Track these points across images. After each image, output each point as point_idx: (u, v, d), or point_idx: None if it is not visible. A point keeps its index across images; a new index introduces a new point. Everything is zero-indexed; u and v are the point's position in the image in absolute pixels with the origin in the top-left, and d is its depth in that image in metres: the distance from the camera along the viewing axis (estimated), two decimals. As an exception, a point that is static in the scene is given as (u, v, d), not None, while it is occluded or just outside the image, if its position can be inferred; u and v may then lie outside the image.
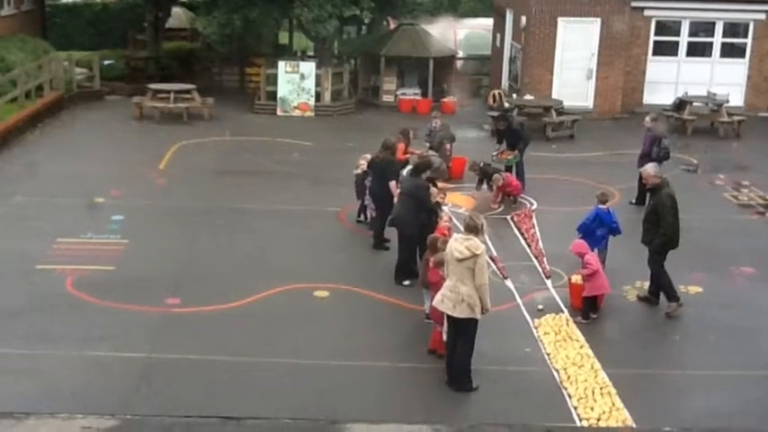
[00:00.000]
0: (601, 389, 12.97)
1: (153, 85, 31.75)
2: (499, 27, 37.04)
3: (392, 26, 39.09)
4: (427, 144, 23.24)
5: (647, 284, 16.27)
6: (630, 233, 17.06)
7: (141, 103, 30.82)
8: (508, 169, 22.52)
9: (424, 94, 34.21)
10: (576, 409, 12.53)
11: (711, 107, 30.85)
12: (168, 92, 30.97)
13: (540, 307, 15.75)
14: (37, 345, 13.76)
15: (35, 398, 12.29)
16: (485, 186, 22.26)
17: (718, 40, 33.53)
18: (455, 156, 23.64)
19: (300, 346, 14.02)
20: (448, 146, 23.25)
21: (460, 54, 40.33)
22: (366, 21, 37.78)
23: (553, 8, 32.02)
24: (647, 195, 16.96)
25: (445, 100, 33.45)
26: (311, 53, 37.79)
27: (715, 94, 31.24)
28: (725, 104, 30.47)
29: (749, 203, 22.31)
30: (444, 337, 13.26)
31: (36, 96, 30.55)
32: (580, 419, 12.30)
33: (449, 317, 12.78)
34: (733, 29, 33.80)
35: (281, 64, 32.26)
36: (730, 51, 33.84)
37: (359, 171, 19.78)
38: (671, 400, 12.97)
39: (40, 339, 13.94)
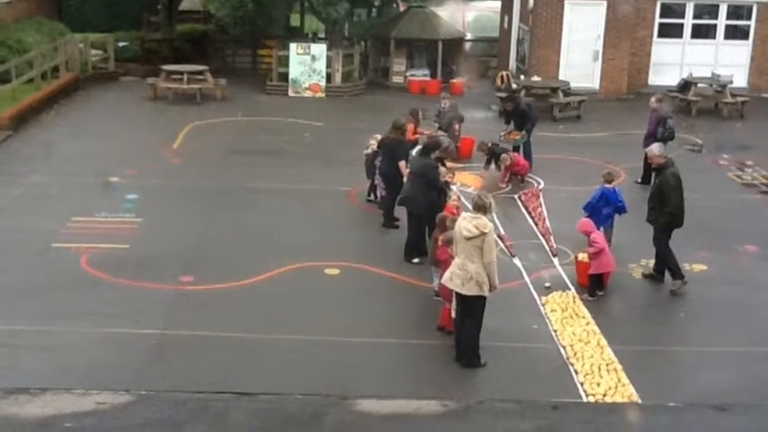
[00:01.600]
0: (607, 365, 12.91)
1: (167, 67, 31.65)
2: (507, 9, 36.80)
3: (402, 8, 38.92)
4: (436, 124, 23.11)
5: (652, 262, 16.19)
6: (636, 212, 16.98)
7: (155, 84, 30.72)
8: (516, 149, 22.43)
9: (433, 76, 34.07)
10: (582, 384, 12.47)
11: (715, 88, 30.69)
12: (182, 73, 30.85)
13: (548, 284, 15.69)
14: (52, 322, 13.73)
15: (51, 374, 12.28)
16: (493, 166, 22.16)
17: (722, 22, 33.32)
18: (464, 136, 23.53)
19: (311, 323, 13.98)
20: (456, 126, 23.12)
21: (469, 36, 40.20)
22: (376, 3, 37.62)
23: (560, -10, 31.89)
24: (653, 175, 16.87)
25: (454, 81, 33.29)
26: (322, 35, 37.68)
27: (719, 76, 31.08)
28: (729, 85, 30.32)
29: (753, 183, 22.18)
30: (453, 314, 13.20)
31: (52, 78, 30.49)
32: (587, 395, 12.25)
33: (457, 294, 12.73)
34: (737, 11, 33.60)
35: (293, 46, 32.15)
36: (734, 33, 33.67)
37: (369, 151, 19.70)
38: (676, 376, 12.93)
39: (55, 316, 13.93)
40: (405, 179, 17.41)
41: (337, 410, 11.64)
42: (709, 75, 31.43)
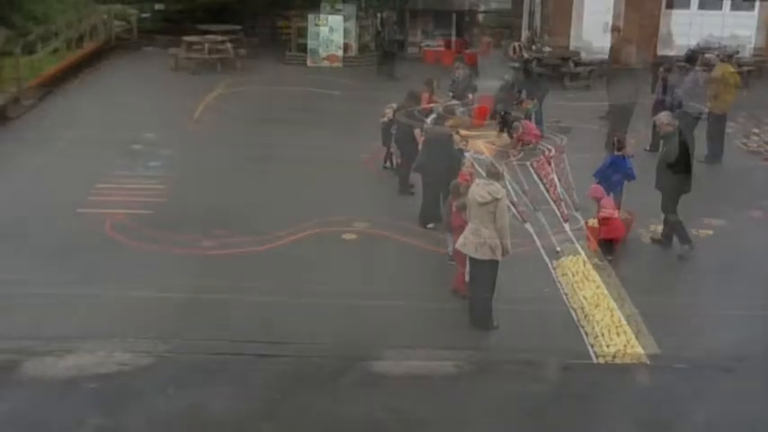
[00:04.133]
0: (616, 327, 12.85)
1: (188, 38, 31.51)
2: (519, -19, 36.63)
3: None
4: (450, 94, 22.97)
5: (660, 228, 16.08)
6: (645, 179, 16.84)
7: (177, 54, 30.64)
8: (528, 117, 22.25)
9: (448, 46, 33.85)
10: (592, 346, 12.41)
11: (722, 58, 30.37)
12: (203, 43, 30.75)
13: (559, 249, 15.59)
14: (77, 285, 13.69)
15: (75, 336, 12.25)
16: (505, 134, 22.00)
17: (728, -7, 33.13)
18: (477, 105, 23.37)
19: (329, 287, 13.90)
20: (470, 95, 22.97)
21: (482, 7, 39.96)
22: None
23: (571, -38, 31.62)
24: (661, 142, 16.73)
25: (468, 51, 33.10)
26: (339, 7, 37.50)
27: (726, 46, 30.78)
28: (735, 55, 30.03)
29: (758, 150, 22.04)
30: (466, 277, 13.13)
31: (76, 48, 30.42)
32: (596, 356, 12.18)
33: (471, 258, 12.67)
34: (743, -17, 33.34)
35: (311, 17, 32.10)
36: (740, 4, 33.33)
37: (385, 119, 19.60)
38: (684, 338, 12.80)
39: (79, 280, 13.89)
40: (420, 147, 17.32)
41: (354, 371, 11.60)
42: (715, 45, 31.15)
